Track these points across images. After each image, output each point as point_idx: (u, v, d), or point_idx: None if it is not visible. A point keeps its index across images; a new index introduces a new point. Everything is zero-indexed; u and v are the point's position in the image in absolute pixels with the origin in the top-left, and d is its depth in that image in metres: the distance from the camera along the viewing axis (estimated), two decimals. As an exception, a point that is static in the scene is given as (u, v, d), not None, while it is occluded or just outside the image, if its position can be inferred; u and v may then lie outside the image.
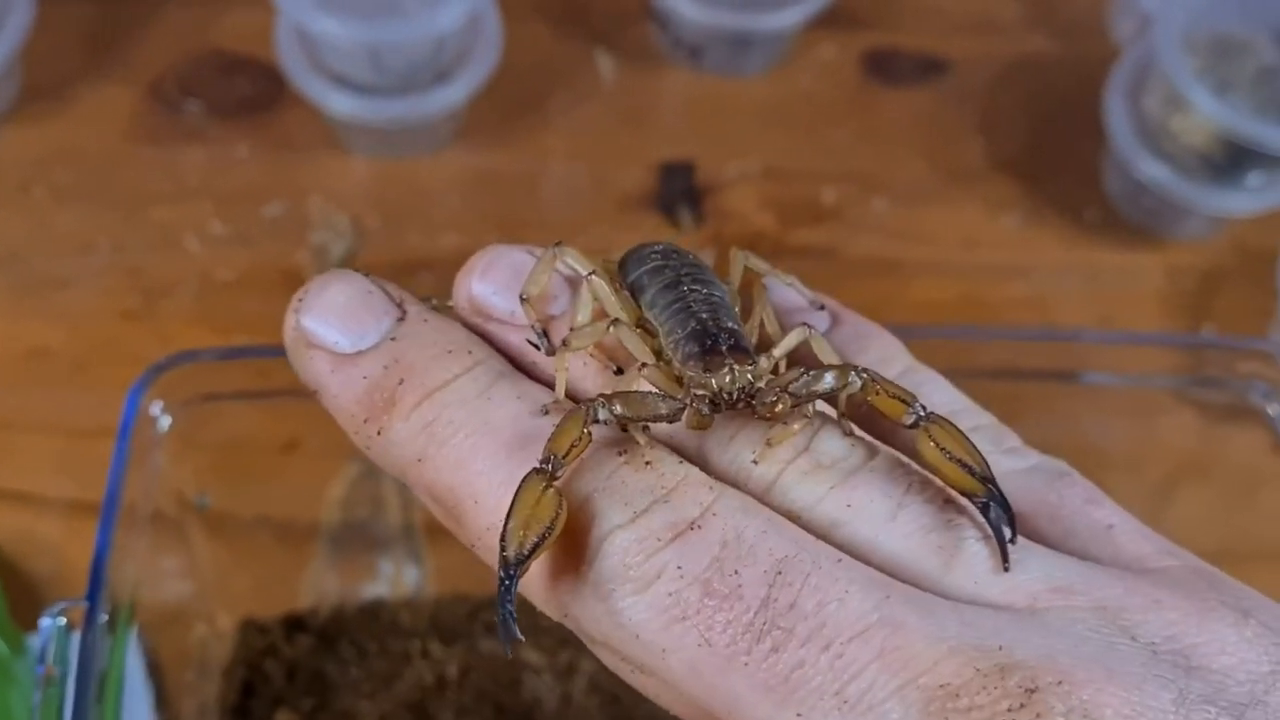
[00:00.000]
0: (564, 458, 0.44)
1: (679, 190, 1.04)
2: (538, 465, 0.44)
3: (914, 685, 0.41)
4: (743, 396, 0.47)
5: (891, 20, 1.15)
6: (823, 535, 0.45)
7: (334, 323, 0.52)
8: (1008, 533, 0.45)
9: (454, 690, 0.79)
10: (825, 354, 0.50)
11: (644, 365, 0.48)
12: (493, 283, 0.52)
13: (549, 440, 0.44)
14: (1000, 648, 0.41)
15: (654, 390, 0.47)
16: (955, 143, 1.09)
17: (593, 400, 0.45)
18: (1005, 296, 1.01)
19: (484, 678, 0.79)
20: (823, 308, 0.57)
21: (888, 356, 0.55)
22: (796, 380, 0.47)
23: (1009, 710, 0.40)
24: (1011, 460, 0.52)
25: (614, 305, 0.50)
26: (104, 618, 0.58)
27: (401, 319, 0.51)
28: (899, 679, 0.41)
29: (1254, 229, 1.04)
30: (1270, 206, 1.01)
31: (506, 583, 0.43)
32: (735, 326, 0.49)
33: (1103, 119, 1.02)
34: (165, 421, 0.65)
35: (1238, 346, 0.73)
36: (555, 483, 0.44)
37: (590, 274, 0.50)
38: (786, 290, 0.56)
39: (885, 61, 1.13)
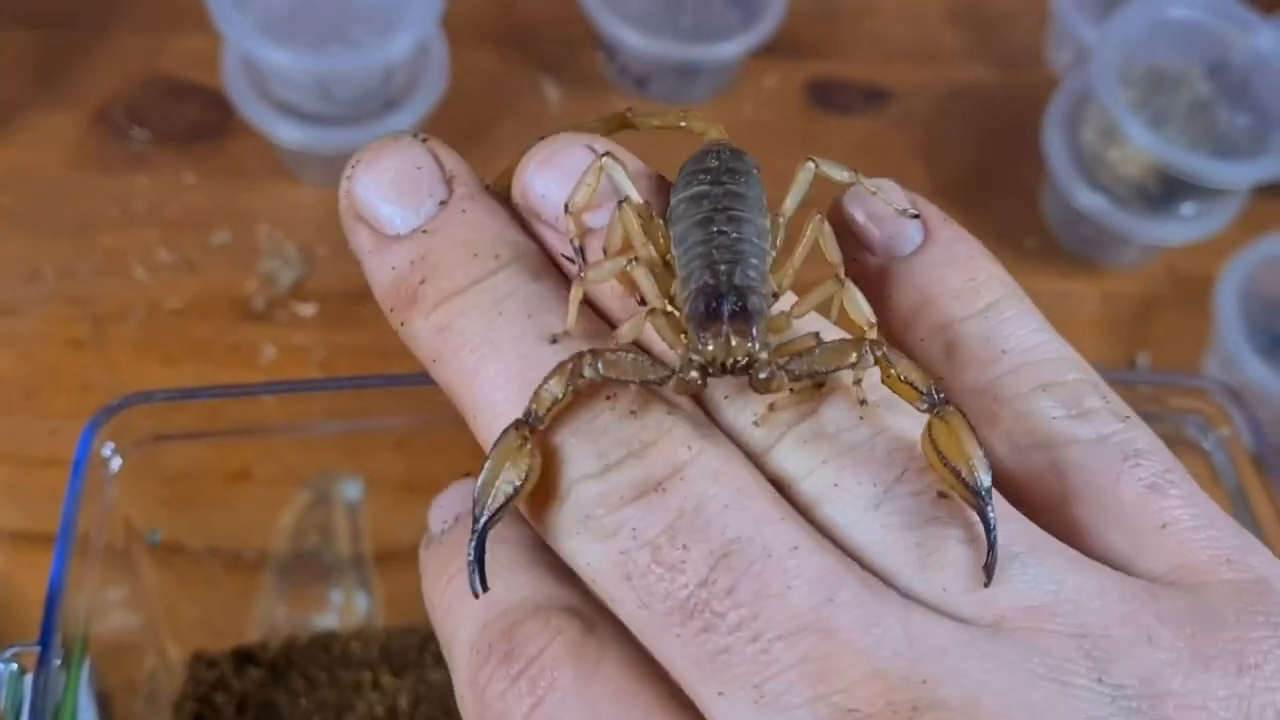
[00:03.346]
0: (544, 415, 0.43)
1: (626, 217, 1.05)
2: (518, 418, 0.43)
3: (827, 700, 0.39)
4: (738, 366, 0.44)
5: (834, 49, 1.17)
6: (805, 509, 0.43)
7: (380, 198, 0.49)
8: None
9: (405, 721, 0.80)
10: (854, 310, 0.46)
11: (652, 310, 0.46)
12: (545, 180, 0.49)
13: (534, 392, 0.44)
14: (925, 681, 0.39)
15: (641, 353, 0.45)
16: (898, 170, 1.10)
17: (580, 355, 0.44)
18: (947, 323, 1.03)
19: (435, 709, 0.80)
20: (916, 216, 0.51)
21: (969, 287, 0.50)
22: (800, 357, 0.44)
23: None
24: (1080, 427, 0.47)
25: (639, 240, 0.47)
26: (57, 662, 0.58)
27: (445, 202, 0.48)
28: (815, 689, 0.40)
29: (1187, 257, 1.06)
30: (1203, 236, 1.03)
31: (476, 533, 0.44)
32: (752, 283, 0.46)
33: (1041, 148, 1.04)
34: (117, 463, 0.65)
35: (1176, 383, 0.75)
36: (532, 436, 0.43)
37: (622, 202, 0.47)
38: (872, 200, 0.51)
39: (828, 90, 1.15)
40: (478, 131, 1.08)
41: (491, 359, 0.46)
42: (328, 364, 0.98)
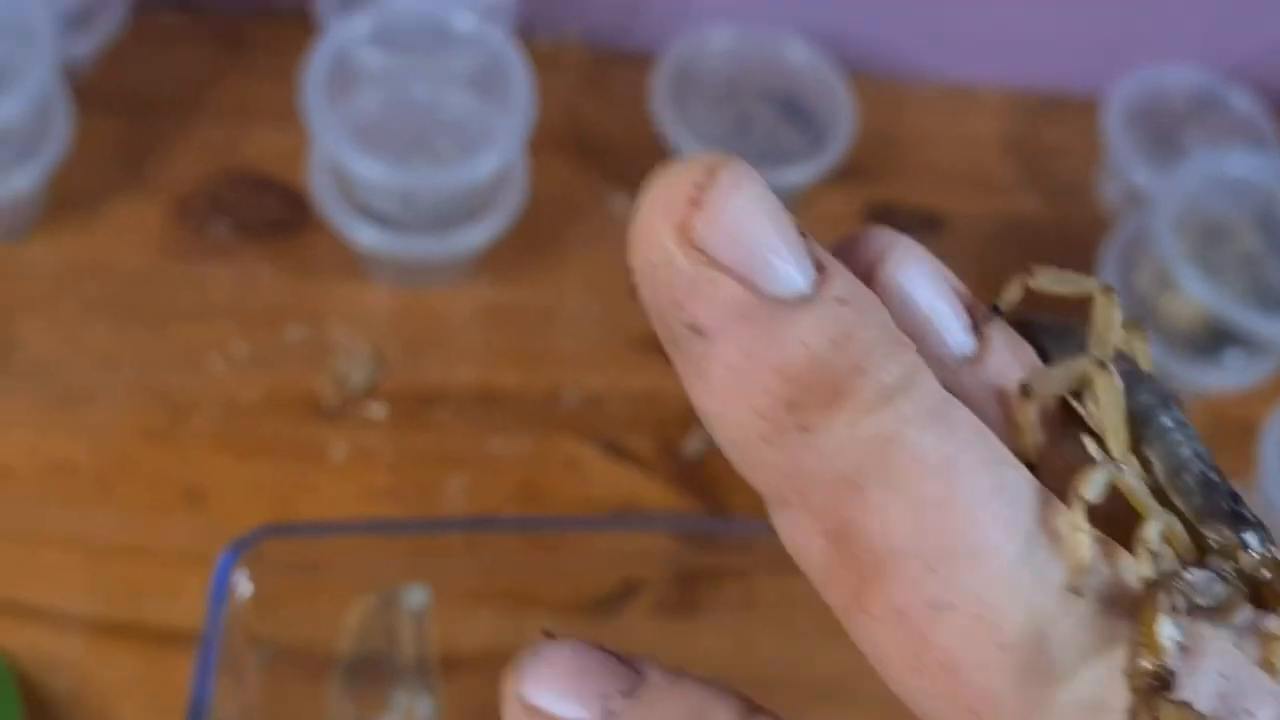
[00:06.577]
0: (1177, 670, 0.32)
1: (685, 329, 1.08)
2: (1155, 684, 0.31)
3: None
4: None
5: (893, 175, 1.20)
6: None
7: (760, 239, 0.33)
8: None
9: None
10: None
11: (1150, 522, 0.34)
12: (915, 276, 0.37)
13: (1142, 643, 0.32)
14: None
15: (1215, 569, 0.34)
16: (950, 298, 1.14)
17: (1165, 583, 0.32)
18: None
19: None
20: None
21: None
22: None
23: None
24: None
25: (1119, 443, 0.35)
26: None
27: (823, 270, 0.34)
28: None
29: (1230, 401, 1.09)
30: (1247, 384, 1.06)
31: None
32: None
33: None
34: (248, 589, 0.67)
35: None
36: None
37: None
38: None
39: (886, 215, 1.18)
40: (549, 240, 1.11)
41: (961, 488, 0.33)
42: (397, 467, 1.00)
